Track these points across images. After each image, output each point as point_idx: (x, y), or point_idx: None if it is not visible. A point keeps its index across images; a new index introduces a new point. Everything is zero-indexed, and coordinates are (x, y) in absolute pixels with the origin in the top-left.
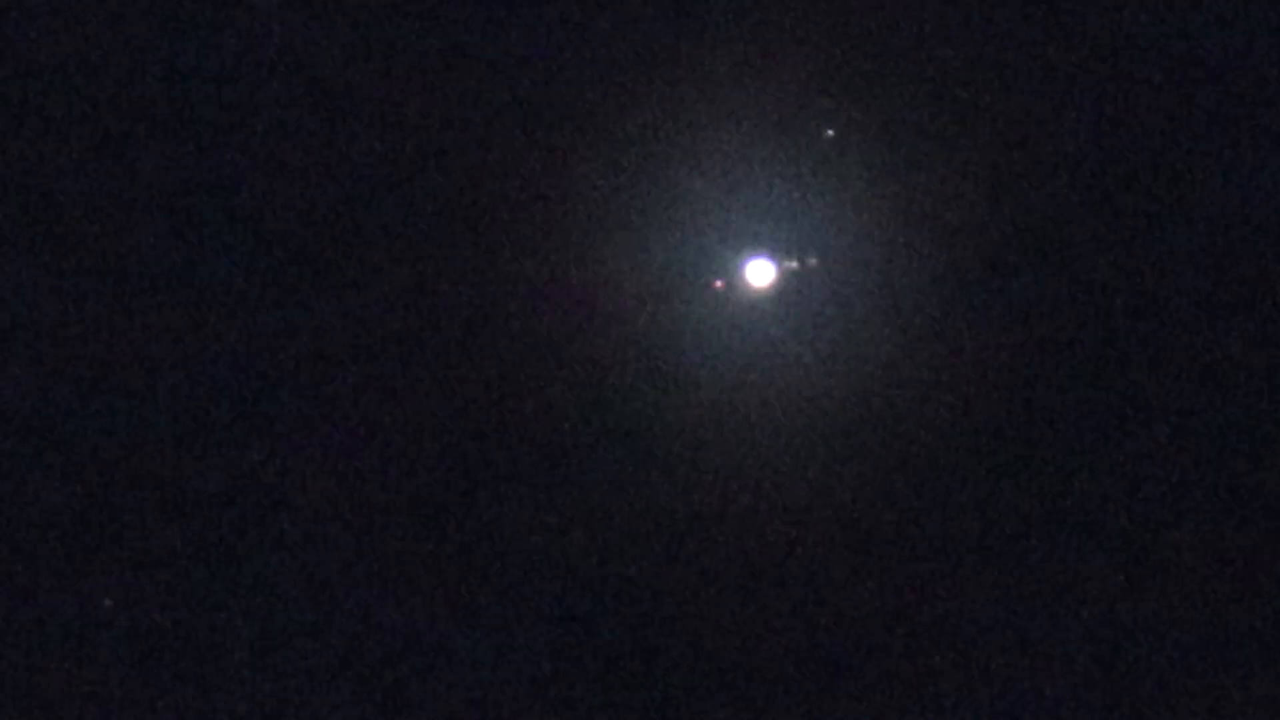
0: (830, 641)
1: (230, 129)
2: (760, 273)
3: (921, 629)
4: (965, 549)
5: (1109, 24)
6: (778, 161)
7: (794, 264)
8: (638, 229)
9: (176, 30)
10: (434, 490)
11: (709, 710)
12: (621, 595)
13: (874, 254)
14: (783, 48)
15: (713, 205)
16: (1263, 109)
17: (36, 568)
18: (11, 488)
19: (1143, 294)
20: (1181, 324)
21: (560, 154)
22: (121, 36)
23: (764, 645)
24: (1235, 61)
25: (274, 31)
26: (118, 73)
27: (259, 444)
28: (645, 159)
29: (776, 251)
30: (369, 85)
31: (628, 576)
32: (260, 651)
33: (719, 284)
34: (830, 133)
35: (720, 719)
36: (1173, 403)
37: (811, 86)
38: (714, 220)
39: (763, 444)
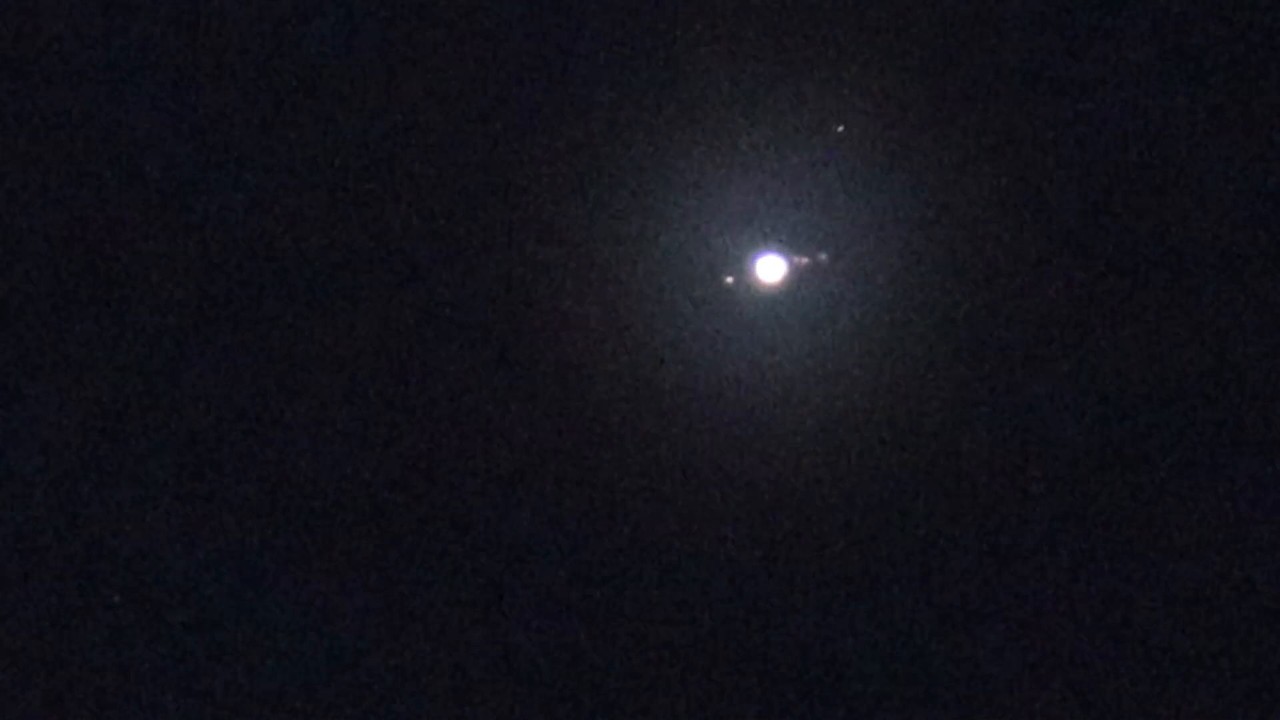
0: (836, 641)
1: (227, 129)
2: (770, 268)
3: (928, 628)
4: (974, 545)
5: (1115, 23)
6: (788, 157)
7: (804, 259)
8: (647, 224)
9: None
10: (438, 489)
11: (722, 709)
12: (627, 595)
13: (884, 250)
14: (793, 43)
15: (722, 200)
16: (1264, 109)
17: (40, 563)
18: (14, 485)
19: (1152, 291)
20: (1186, 321)
21: (568, 150)
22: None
23: (768, 645)
24: (1237, 62)
25: (273, 30)
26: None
27: (264, 442)
28: (654, 154)
29: (786, 247)
30: (373, 83)
31: (635, 575)
32: (264, 651)
33: (729, 279)
34: (841, 128)
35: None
36: (1178, 401)
37: (822, 81)
38: (724, 215)
39: (771, 441)
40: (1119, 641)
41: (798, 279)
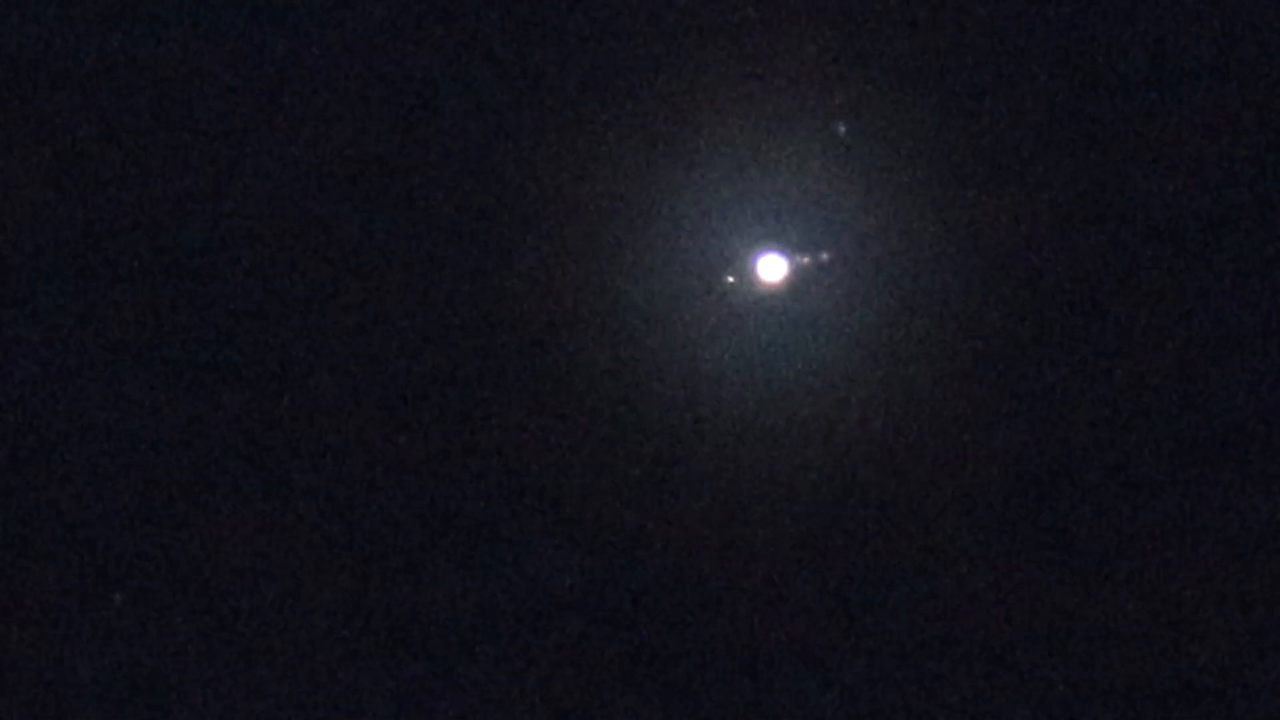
0: (834, 641)
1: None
2: (772, 268)
3: (928, 627)
4: (975, 545)
5: (1117, 23)
6: (790, 156)
7: (806, 259)
8: (648, 223)
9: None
10: (439, 488)
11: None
12: (629, 595)
13: (886, 249)
14: (795, 42)
15: (724, 200)
16: (1265, 111)
17: (44, 561)
18: (19, 482)
19: (1155, 290)
20: (1189, 321)
21: (569, 149)
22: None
23: (767, 646)
24: (1238, 64)
25: (273, 31)
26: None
27: (267, 440)
28: (655, 153)
29: (788, 246)
30: (373, 83)
31: (637, 575)
32: (268, 648)
33: (730, 279)
34: (843, 128)
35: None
36: (1179, 401)
37: (824, 81)
38: (725, 215)
39: (772, 440)
40: (1117, 642)
41: (800, 278)
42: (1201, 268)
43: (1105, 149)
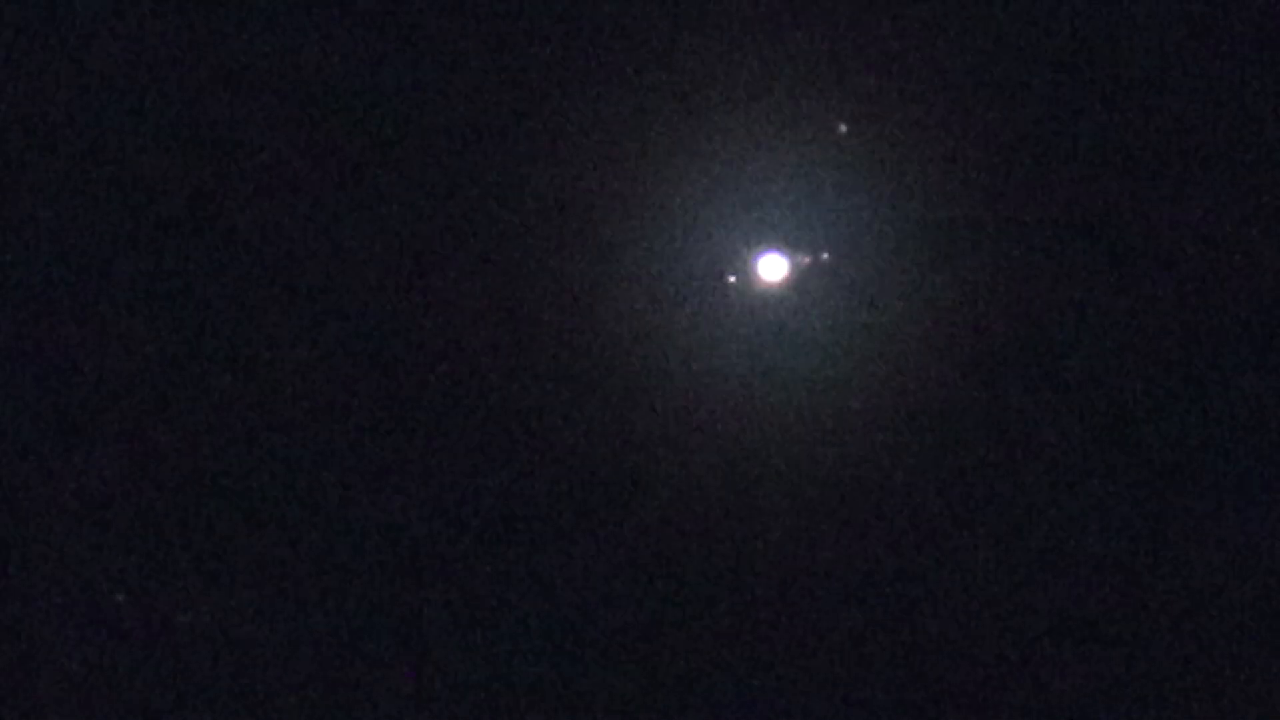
0: (842, 639)
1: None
2: (772, 268)
3: (926, 627)
4: (975, 545)
5: (1116, 24)
6: (790, 156)
7: (807, 259)
8: (648, 223)
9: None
10: (437, 485)
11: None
12: (629, 595)
13: (887, 249)
14: (796, 41)
15: (724, 199)
16: (1265, 112)
17: (45, 561)
18: (21, 481)
19: (1154, 290)
20: (1188, 322)
21: (569, 148)
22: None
23: (773, 644)
24: (1237, 63)
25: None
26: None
27: (270, 440)
28: (655, 152)
29: (789, 246)
30: (372, 82)
31: (636, 574)
32: (272, 648)
33: (731, 278)
34: (843, 127)
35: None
36: (1178, 402)
37: (824, 81)
38: (726, 214)
39: (772, 439)
40: (1117, 643)
41: (801, 278)
42: (1202, 266)
43: (1106, 148)
